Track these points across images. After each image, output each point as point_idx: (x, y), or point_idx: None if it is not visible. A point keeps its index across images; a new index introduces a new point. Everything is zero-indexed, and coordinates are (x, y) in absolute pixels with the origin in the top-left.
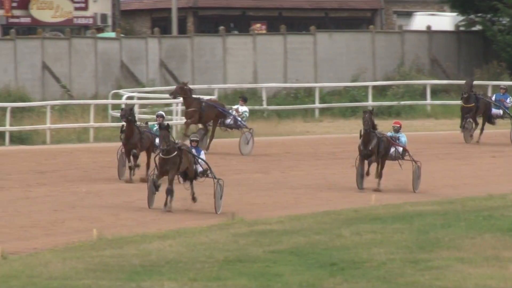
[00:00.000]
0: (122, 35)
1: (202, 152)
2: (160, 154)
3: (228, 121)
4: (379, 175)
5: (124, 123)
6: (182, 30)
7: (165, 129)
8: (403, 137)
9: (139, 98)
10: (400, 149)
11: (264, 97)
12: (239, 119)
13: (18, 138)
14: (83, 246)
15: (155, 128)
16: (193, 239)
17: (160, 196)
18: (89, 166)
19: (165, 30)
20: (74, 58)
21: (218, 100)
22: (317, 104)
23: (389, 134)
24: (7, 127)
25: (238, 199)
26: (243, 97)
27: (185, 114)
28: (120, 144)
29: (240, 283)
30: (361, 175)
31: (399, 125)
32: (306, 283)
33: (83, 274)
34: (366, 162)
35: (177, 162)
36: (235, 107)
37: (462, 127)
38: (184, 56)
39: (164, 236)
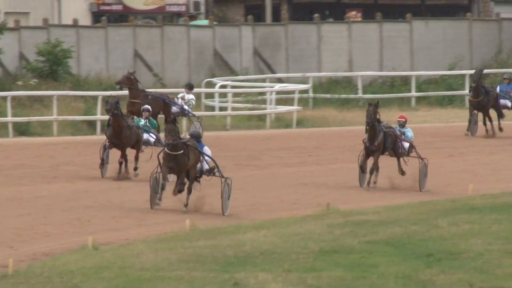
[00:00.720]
0: (215, 22)
1: (206, 147)
2: (165, 149)
3: (174, 109)
4: (375, 169)
5: (110, 117)
6: (276, 18)
7: (172, 123)
8: (409, 132)
9: (233, 87)
10: (406, 144)
11: (359, 86)
12: (186, 107)
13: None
14: (176, 237)
15: (141, 123)
16: (287, 229)
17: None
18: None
19: (259, 17)
20: (167, 46)
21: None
22: (414, 93)
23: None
24: (99, 116)
25: (333, 188)
26: (189, 84)
27: (128, 105)
28: (104, 138)
29: (335, 274)
30: (363, 171)
31: (404, 119)
32: (402, 274)
33: (176, 265)
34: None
35: (185, 160)
36: (180, 95)
37: (471, 122)
38: (278, 44)
39: (258, 226)
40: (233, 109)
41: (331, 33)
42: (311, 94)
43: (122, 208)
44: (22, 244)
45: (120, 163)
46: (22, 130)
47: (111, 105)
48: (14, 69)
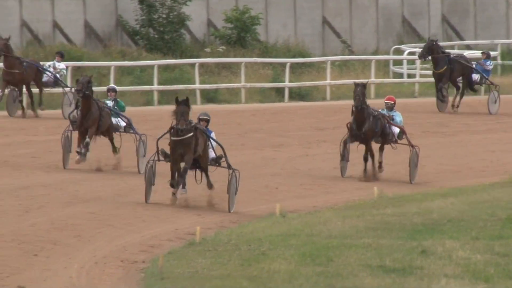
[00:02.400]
0: None
1: (213, 134)
2: (172, 137)
3: (45, 79)
4: (367, 158)
5: (80, 98)
6: None
7: (184, 104)
8: (397, 116)
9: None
10: (396, 130)
11: None
12: (58, 76)
13: (298, 94)
14: (364, 205)
15: (109, 104)
16: (475, 196)
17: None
18: None
19: None
20: (355, 13)
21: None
22: None
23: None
24: (287, 83)
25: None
26: (60, 52)
27: (4, 74)
28: (66, 124)
29: None
30: (346, 160)
31: (393, 102)
32: None
33: (363, 232)
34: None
35: (192, 144)
36: (50, 63)
37: (438, 98)
38: (466, 11)
39: (446, 194)
40: (421, 76)
41: None
42: (499, 61)
43: (309, 176)
44: (210, 211)
45: (86, 146)
46: (210, 97)
47: (82, 85)
48: (202, 36)
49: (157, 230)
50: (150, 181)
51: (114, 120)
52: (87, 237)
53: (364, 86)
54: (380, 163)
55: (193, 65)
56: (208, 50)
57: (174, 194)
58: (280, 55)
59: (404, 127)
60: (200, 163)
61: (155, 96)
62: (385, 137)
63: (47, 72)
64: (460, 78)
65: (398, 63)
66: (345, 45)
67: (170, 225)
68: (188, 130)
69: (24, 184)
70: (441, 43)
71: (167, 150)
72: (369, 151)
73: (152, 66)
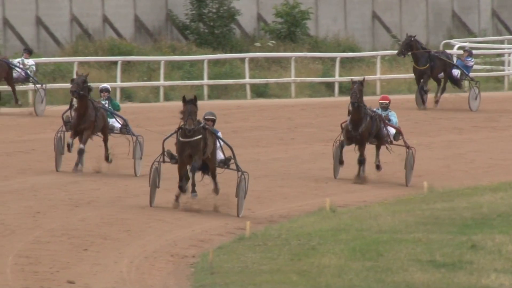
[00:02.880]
0: None
1: (220, 133)
2: (180, 138)
3: (16, 75)
4: (363, 160)
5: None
6: None
7: (192, 103)
8: (393, 116)
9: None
10: (392, 131)
11: None
12: (28, 72)
13: (348, 89)
14: (413, 199)
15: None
16: None
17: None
18: (419, 117)
19: None
20: (405, 7)
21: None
22: None
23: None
24: (337, 78)
25: None
26: (27, 49)
27: None
28: (59, 126)
29: None
30: (339, 161)
31: (388, 101)
32: None
33: (413, 227)
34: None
35: (201, 145)
36: (19, 59)
37: (420, 88)
38: None
39: (496, 188)
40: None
41: None
42: None
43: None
44: (260, 206)
45: (80, 153)
46: (260, 91)
47: (78, 85)
48: (252, 30)
49: (207, 224)
50: (155, 184)
51: (109, 121)
52: (137, 232)
53: (361, 83)
54: (377, 165)
55: (243, 59)
56: (258, 44)
57: (177, 198)
58: (330, 49)
59: (400, 128)
60: (209, 165)
61: (205, 91)
62: (381, 138)
63: (17, 69)
64: (442, 73)
65: None
66: (395, 40)
67: (220, 220)
68: (197, 131)
69: (73, 179)
70: (490, 38)
71: (173, 151)
72: (362, 152)
73: (202, 61)
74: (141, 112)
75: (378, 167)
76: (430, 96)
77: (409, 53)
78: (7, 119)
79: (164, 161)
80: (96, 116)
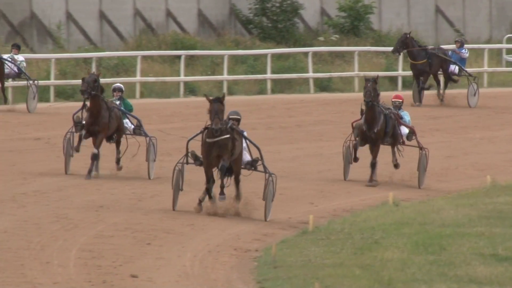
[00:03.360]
0: None
1: (245, 133)
2: (207, 138)
3: (7, 71)
4: (375, 163)
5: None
6: None
7: (219, 102)
8: (406, 116)
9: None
10: (404, 130)
11: None
12: (21, 68)
13: (411, 83)
14: (476, 193)
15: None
16: None
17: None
18: (483, 112)
19: None
20: (468, 1)
21: None
22: None
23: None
24: (400, 72)
25: None
26: (16, 44)
27: None
28: (69, 126)
29: None
30: (349, 162)
31: (401, 100)
32: None
33: (476, 221)
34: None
35: (229, 145)
36: (7, 55)
37: (421, 89)
38: None
39: None
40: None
41: None
42: None
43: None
44: (323, 200)
45: (94, 158)
46: (323, 85)
47: (88, 84)
48: (315, 24)
49: (270, 218)
50: (178, 187)
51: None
52: (200, 226)
53: (375, 81)
54: (395, 164)
55: (306, 53)
56: (321, 38)
57: (200, 202)
58: (393, 43)
59: (414, 127)
60: (233, 168)
61: (269, 85)
62: (396, 138)
63: (8, 64)
64: (440, 70)
65: (511, 52)
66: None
67: (283, 214)
68: (225, 130)
69: (136, 174)
70: None
71: (198, 152)
72: (375, 155)
73: (265, 55)
74: (205, 106)
75: (396, 166)
76: (430, 93)
77: (405, 50)
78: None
79: (187, 163)
80: (110, 117)
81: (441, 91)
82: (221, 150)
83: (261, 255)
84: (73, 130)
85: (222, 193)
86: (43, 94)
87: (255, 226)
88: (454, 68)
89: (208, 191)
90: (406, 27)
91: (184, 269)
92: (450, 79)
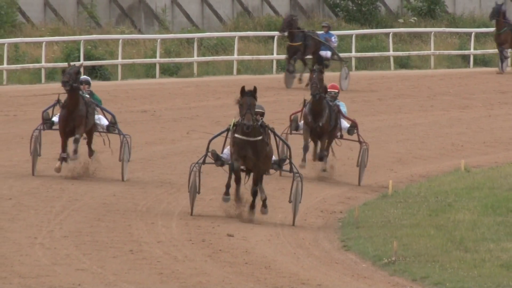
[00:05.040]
0: None
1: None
2: (238, 135)
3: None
4: (323, 154)
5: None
6: None
7: (252, 95)
8: (343, 107)
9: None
10: (345, 124)
11: None
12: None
13: (482, 61)
14: None
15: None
16: None
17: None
18: None
19: None
20: None
21: None
22: None
23: None
24: (472, 51)
25: None
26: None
27: None
28: (37, 122)
29: None
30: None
31: (337, 90)
32: None
33: None
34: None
35: (264, 148)
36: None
37: (287, 70)
38: None
39: None
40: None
41: None
42: None
43: (492, 134)
44: (402, 167)
45: (64, 159)
46: (402, 63)
47: (70, 76)
48: (395, 8)
49: (355, 183)
50: (195, 190)
51: (95, 117)
52: (288, 190)
53: (321, 71)
54: (321, 156)
55: (387, 34)
56: (401, 21)
57: (225, 195)
58: (466, 25)
59: (355, 120)
60: (260, 166)
61: (353, 63)
62: (334, 132)
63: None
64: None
65: None
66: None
67: (365, 180)
68: (257, 130)
69: None
70: None
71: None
72: (325, 148)
73: (350, 36)
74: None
75: (322, 158)
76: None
77: (288, 31)
78: (175, 88)
79: (204, 163)
80: (88, 112)
81: (303, 74)
82: (255, 152)
83: (345, 216)
84: (41, 127)
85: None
86: (149, 70)
87: (339, 190)
88: (325, 52)
89: (238, 198)
90: (478, 10)
91: (275, 229)
92: (320, 63)
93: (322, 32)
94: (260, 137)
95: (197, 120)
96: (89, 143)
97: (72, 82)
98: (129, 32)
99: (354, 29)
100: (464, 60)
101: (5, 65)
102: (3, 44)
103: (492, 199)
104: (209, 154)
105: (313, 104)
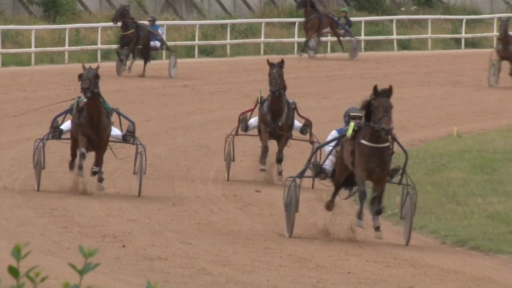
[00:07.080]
0: None
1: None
2: (365, 141)
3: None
4: (281, 156)
5: (82, 98)
6: None
7: (387, 96)
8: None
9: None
10: (297, 123)
11: None
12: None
13: (471, 43)
14: None
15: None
16: None
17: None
18: None
19: None
20: None
21: None
22: None
23: None
24: (463, 35)
25: None
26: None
27: None
28: (43, 132)
29: None
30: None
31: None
32: None
33: None
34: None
35: (390, 157)
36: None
37: (120, 60)
38: None
39: None
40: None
41: None
42: None
43: (480, 105)
44: (403, 133)
45: (95, 173)
46: (404, 45)
47: (90, 81)
48: None
49: None
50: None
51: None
52: (308, 152)
53: (280, 66)
54: (279, 158)
55: (391, 20)
56: (403, 9)
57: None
58: (458, 13)
59: (309, 118)
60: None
61: (362, 44)
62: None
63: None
64: (141, 45)
65: None
66: (508, 5)
67: None
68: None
69: None
70: None
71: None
72: (281, 149)
73: (360, 22)
74: (316, 64)
75: (280, 160)
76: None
77: (121, 20)
78: (211, 66)
79: (302, 176)
80: (108, 124)
81: (131, 62)
82: (381, 161)
83: None
84: (47, 137)
85: (359, 217)
86: (189, 51)
87: None
88: (154, 42)
89: (359, 217)
90: (468, 0)
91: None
92: (146, 55)
93: (147, 23)
94: (387, 143)
95: (229, 94)
96: (101, 153)
97: (92, 87)
98: (172, 19)
99: (363, 16)
100: (457, 43)
101: (66, 47)
102: (65, 29)
103: (480, 160)
104: (311, 166)
105: (272, 101)
